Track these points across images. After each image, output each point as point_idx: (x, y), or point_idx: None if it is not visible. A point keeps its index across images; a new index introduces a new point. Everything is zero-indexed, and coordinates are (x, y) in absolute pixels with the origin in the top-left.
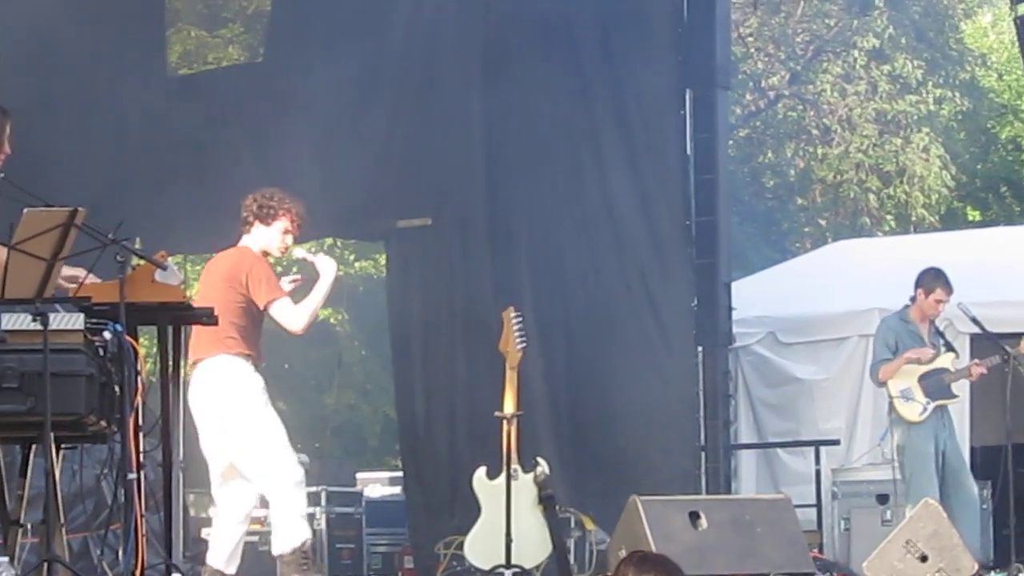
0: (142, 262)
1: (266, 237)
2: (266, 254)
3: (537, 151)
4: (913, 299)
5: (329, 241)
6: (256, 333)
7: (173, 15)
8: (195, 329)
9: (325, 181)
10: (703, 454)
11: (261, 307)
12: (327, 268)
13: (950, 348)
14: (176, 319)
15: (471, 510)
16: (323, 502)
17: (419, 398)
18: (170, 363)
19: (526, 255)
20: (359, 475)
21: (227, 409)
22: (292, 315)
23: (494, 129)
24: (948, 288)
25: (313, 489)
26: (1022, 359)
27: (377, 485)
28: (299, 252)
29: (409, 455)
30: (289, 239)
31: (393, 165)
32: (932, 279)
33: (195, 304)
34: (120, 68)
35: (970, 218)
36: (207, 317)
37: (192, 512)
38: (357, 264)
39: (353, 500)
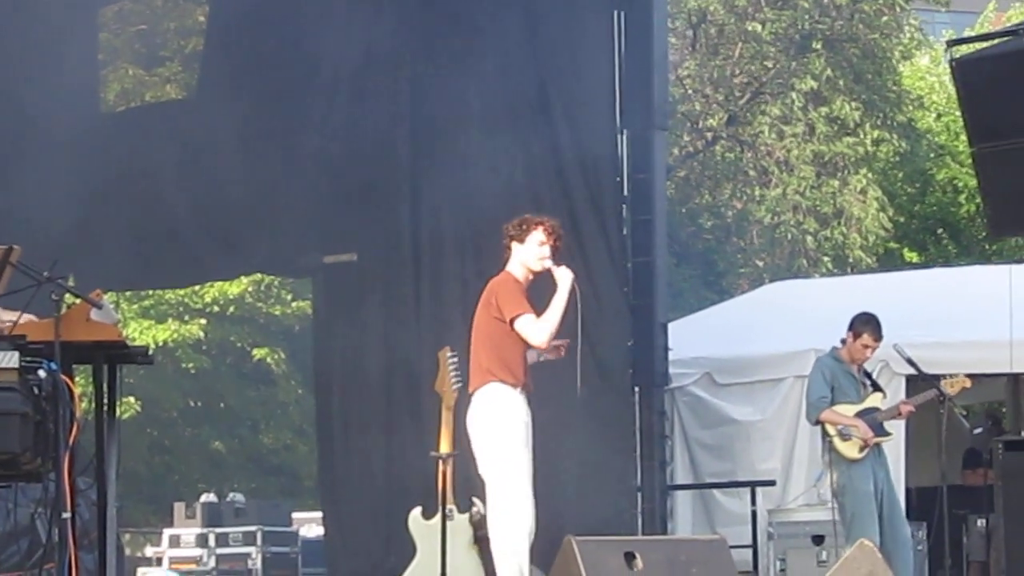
0: (77, 300)
1: (524, 253)
2: (530, 271)
3: (468, 188)
4: (844, 341)
5: (267, 279)
6: (518, 356)
7: (111, 53)
8: (471, 359)
9: (254, 217)
10: (639, 494)
11: (508, 322)
12: (564, 278)
13: (877, 388)
14: (111, 358)
15: (406, 550)
16: (259, 542)
17: (339, 437)
18: (105, 402)
19: (459, 293)
20: (295, 515)
21: (485, 440)
22: (534, 329)
23: (422, 163)
24: (877, 334)
25: (249, 529)
26: (956, 400)
27: (313, 525)
28: (544, 262)
29: (328, 494)
30: (547, 249)
31: (320, 200)
32: (862, 324)
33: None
34: (54, 105)
35: (907, 259)
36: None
37: (127, 551)
38: (294, 303)
39: (289, 540)
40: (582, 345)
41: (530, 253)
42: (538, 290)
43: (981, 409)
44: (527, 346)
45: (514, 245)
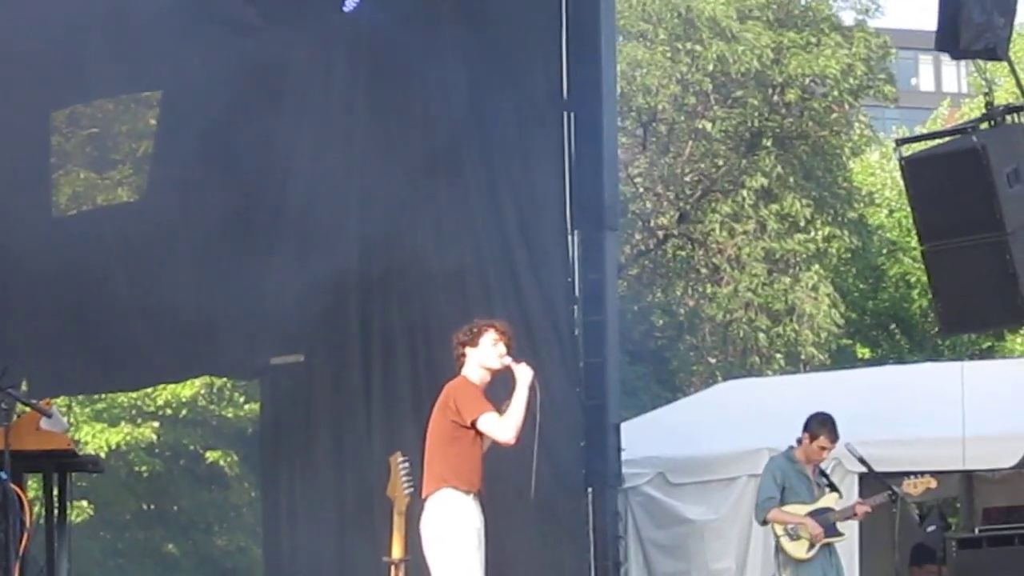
0: (27, 409)
1: (479, 355)
2: (488, 371)
3: (419, 288)
4: (800, 441)
5: (220, 381)
6: (473, 462)
7: (62, 156)
8: (425, 464)
9: (203, 320)
10: None
11: (469, 423)
12: (523, 375)
13: (833, 488)
14: (62, 466)
15: None
16: None
17: (287, 541)
18: (56, 509)
19: (409, 396)
20: None
21: (437, 547)
22: (500, 427)
23: (372, 264)
24: (833, 435)
25: None
26: (909, 499)
27: None
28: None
29: None
30: (501, 347)
31: (267, 302)
32: (818, 425)
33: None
34: (5, 208)
35: (860, 355)
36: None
37: None
38: (247, 405)
39: None
40: (538, 446)
41: (486, 353)
42: (494, 391)
43: (934, 505)
44: (482, 450)
45: (468, 350)
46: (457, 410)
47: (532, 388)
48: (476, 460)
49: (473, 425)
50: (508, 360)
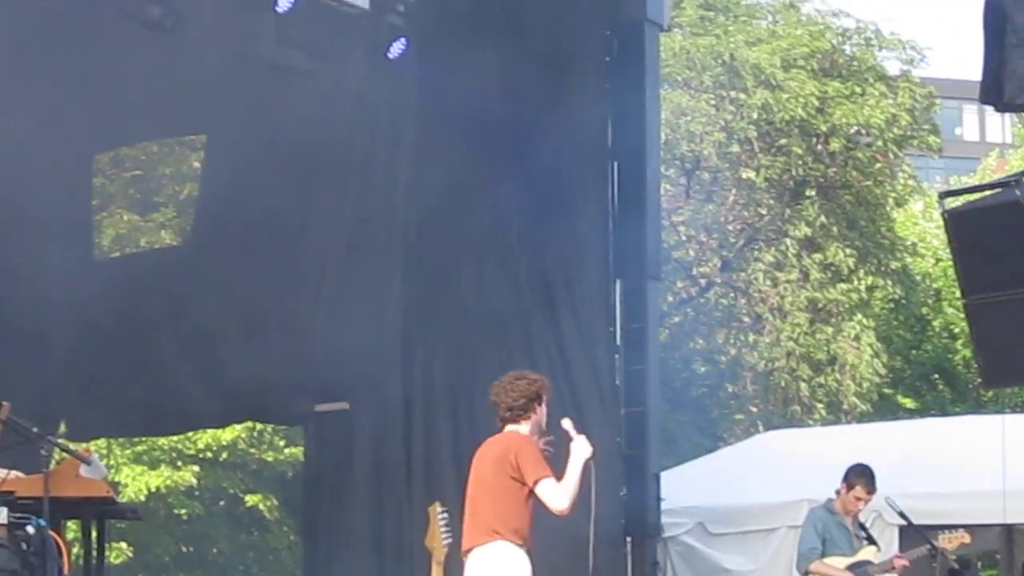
0: (67, 456)
1: (538, 417)
2: (542, 435)
3: (461, 339)
4: (839, 492)
5: (259, 426)
6: (525, 517)
7: (105, 199)
8: (467, 517)
9: (246, 366)
10: None
11: (530, 484)
12: (582, 451)
13: (872, 541)
14: (100, 514)
15: None
16: None
17: None
18: (94, 555)
19: (450, 446)
20: None
21: None
22: (556, 496)
23: (414, 313)
24: (870, 487)
25: None
26: (948, 553)
27: None
28: (565, 423)
29: None
30: (544, 409)
31: (313, 348)
32: (856, 476)
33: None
34: (48, 249)
35: (903, 405)
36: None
37: None
38: (287, 449)
39: None
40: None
41: (542, 417)
42: None
43: (971, 558)
44: (532, 508)
45: (536, 408)
46: (518, 467)
47: (587, 466)
48: (529, 516)
49: (532, 486)
50: (569, 426)
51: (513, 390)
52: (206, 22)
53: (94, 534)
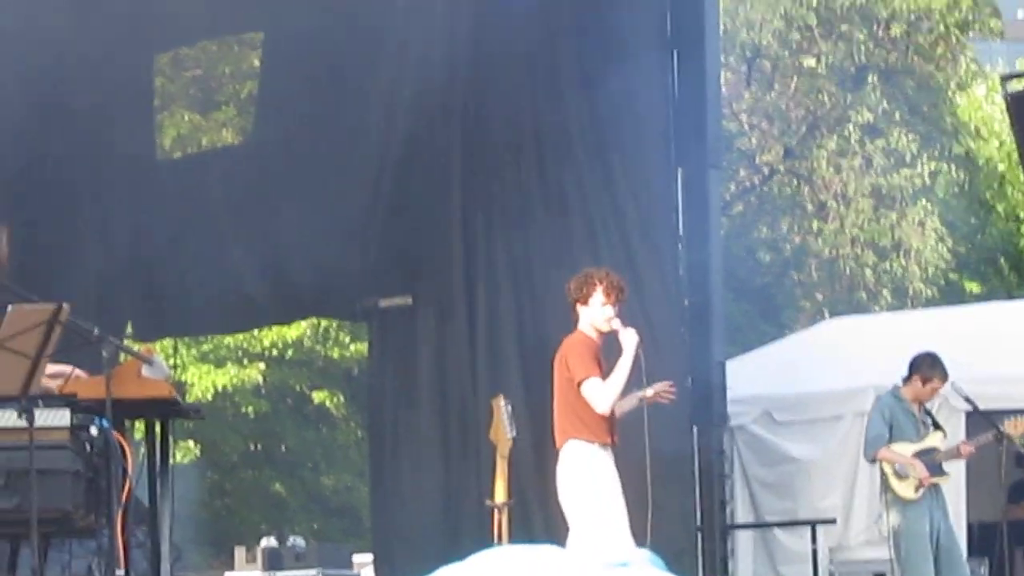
0: (129, 357)
1: (589, 316)
2: (598, 332)
3: (523, 230)
4: (906, 379)
5: (326, 322)
6: (598, 415)
7: (166, 99)
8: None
9: (310, 261)
10: (699, 534)
11: (576, 384)
12: (629, 342)
13: (937, 427)
14: (163, 413)
15: None
16: None
17: (392, 481)
18: (158, 456)
19: (514, 339)
20: (356, 557)
21: (566, 496)
22: (597, 396)
23: (476, 210)
24: (945, 376)
25: (310, 572)
26: (1015, 438)
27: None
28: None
29: (381, 539)
30: (609, 309)
31: (374, 244)
32: (929, 367)
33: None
34: (108, 152)
35: (968, 290)
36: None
37: None
38: (352, 346)
39: None
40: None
41: (596, 314)
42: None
43: None
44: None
45: (579, 307)
46: (569, 368)
47: (637, 356)
48: (597, 412)
49: (578, 387)
50: (616, 324)
51: (569, 291)
52: None
53: (159, 434)
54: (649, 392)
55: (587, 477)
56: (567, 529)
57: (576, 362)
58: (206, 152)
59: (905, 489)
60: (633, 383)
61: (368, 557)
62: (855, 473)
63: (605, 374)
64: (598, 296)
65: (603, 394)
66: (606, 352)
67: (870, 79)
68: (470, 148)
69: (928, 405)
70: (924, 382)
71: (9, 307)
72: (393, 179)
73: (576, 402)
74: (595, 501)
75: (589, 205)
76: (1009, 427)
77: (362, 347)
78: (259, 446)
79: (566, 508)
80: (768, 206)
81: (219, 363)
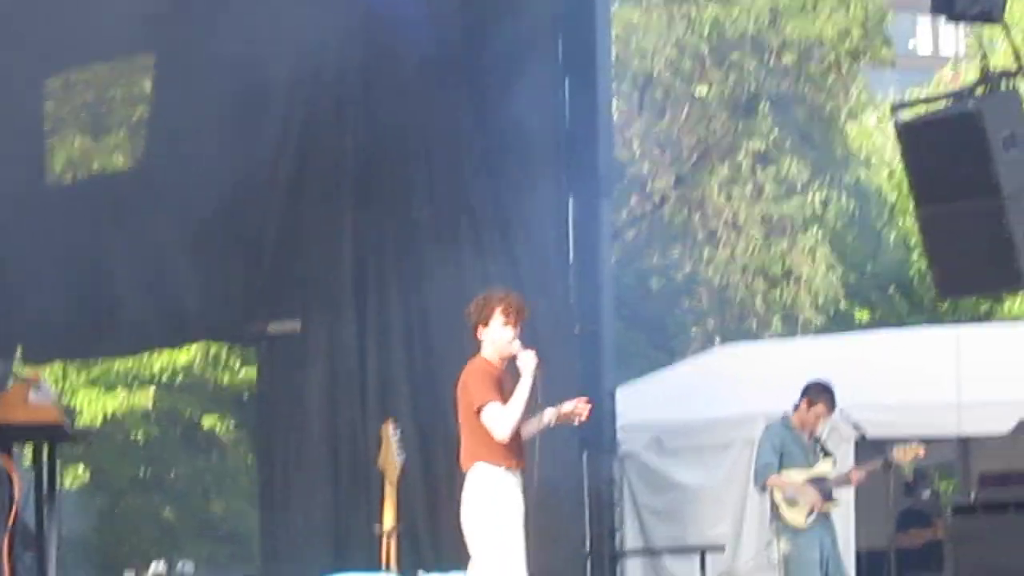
0: (17, 382)
1: (490, 338)
2: (501, 356)
3: (413, 255)
4: (796, 406)
5: (214, 347)
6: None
7: (57, 123)
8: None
9: (196, 285)
10: (588, 562)
11: (475, 411)
12: (527, 365)
13: (827, 454)
14: (51, 438)
15: None
16: None
17: (281, 508)
18: (45, 481)
19: (404, 363)
20: None
21: (469, 521)
22: (495, 423)
23: (366, 234)
24: (831, 404)
25: None
26: (903, 465)
27: None
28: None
29: (270, 564)
30: (509, 331)
31: (264, 268)
32: (817, 393)
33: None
34: None
35: (859, 318)
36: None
37: None
38: (243, 371)
39: None
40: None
41: (497, 337)
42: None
43: (928, 470)
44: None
45: (480, 329)
46: (469, 394)
47: (535, 378)
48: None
49: (478, 415)
50: (516, 347)
51: (468, 313)
52: None
53: (46, 459)
54: (566, 408)
55: (490, 506)
56: (456, 554)
57: (475, 388)
58: (96, 176)
59: (795, 516)
60: (530, 406)
61: None
62: (744, 500)
63: (507, 397)
64: (498, 317)
65: (502, 420)
66: (515, 373)
67: (761, 107)
68: (361, 175)
69: (818, 433)
70: (809, 405)
71: None
72: (283, 203)
73: (479, 428)
74: (495, 532)
75: (479, 232)
76: (898, 454)
77: (252, 372)
78: (148, 472)
79: (467, 535)
80: (659, 233)
81: (109, 387)
